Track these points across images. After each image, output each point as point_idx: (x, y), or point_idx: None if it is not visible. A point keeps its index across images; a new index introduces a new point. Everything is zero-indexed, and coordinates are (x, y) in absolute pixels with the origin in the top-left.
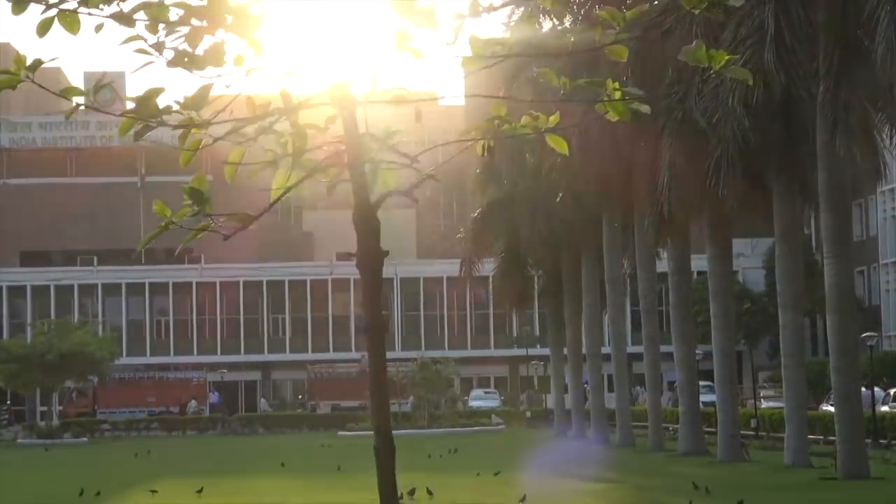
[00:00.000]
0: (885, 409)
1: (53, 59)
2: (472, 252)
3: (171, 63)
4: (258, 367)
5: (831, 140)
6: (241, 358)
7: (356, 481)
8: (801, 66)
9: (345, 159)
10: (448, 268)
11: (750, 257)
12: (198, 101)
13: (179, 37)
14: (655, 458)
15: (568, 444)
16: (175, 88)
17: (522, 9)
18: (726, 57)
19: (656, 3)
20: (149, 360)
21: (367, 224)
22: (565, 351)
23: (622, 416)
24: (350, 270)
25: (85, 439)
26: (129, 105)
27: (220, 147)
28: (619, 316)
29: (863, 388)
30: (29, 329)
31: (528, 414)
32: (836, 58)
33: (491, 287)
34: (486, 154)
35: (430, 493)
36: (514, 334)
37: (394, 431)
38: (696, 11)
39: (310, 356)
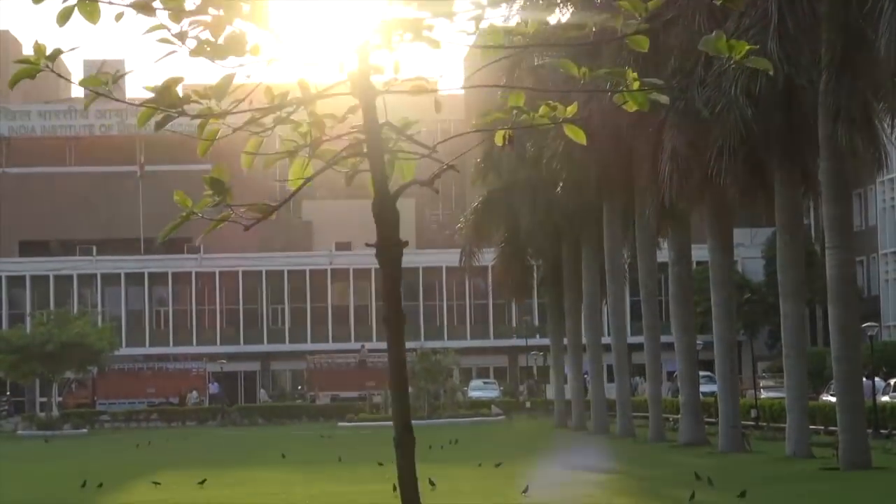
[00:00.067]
0: (885, 399)
1: (73, 49)
2: (471, 242)
3: (194, 52)
4: (257, 357)
5: (833, 130)
6: (241, 348)
7: (357, 472)
8: (804, 55)
9: (363, 149)
10: (447, 258)
11: (749, 247)
12: (220, 90)
13: (197, 25)
14: (656, 448)
15: (568, 435)
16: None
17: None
18: (747, 47)
19: None
20: (148, 350)
21: (387, 214)
22: (565, 341)
23: (622, 407)
24: (349, 260)
25: (85, 430)
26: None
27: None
28: (620, 306)
29: (863, 379)
30: (28, 319)
31: (528, 404)
32: (839, 47)
33: (490, 277)
34: (506, 144)
35: (432, 483)
36: (514, 324)
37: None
38: (718, 2)
39: (309, 346)
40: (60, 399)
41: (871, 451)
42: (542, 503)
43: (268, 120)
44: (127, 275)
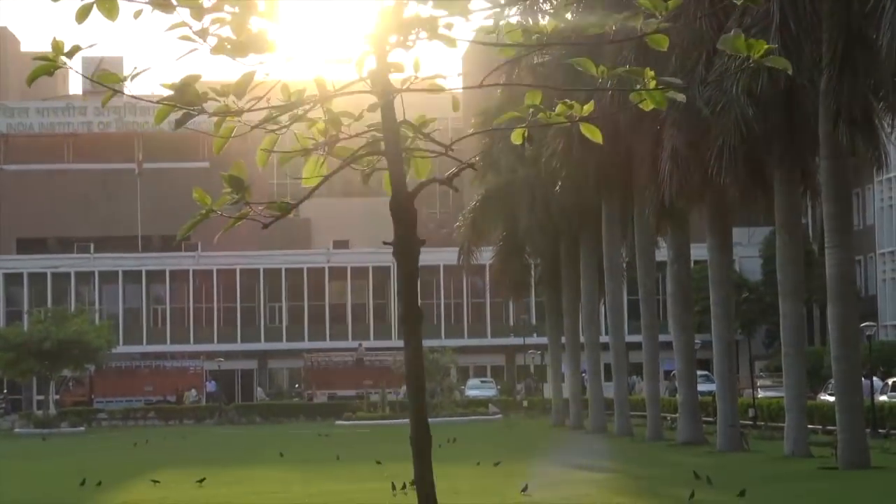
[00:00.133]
0: (883, 398)
1: (92, 46)
2: (470, 240)
3: (215, 50)
4: (255, 355)
5: (834, 129)
6: (238, 346)
7: (355, 471)
8: (805, 55)
9: (381, 147)
10: (445, 256)
11: (747, 246)
12: (240, 88)
13: (218, 22)
14: (654, 447)
15: (566, 434)
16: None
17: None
18: (766, 46)
19: None
20: (145, 348)
21: (405, 213)
22: (563, 340)
23: (620, 406)
24: (347, 258)
25: (82, 428)
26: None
27: (208, 135)
28: (618, 305)
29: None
30: (26, 317)
31: (525, 403)
32: (840, 47)
33: (488, 275)
34: (525, 143)
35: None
36: (511, 323)
37: (391, 421)
38: (738, 1)
39: (306, 345)
40: (58, 397)
41: (869, 451)
42: (542, 502)
43: (283, 118)
44: (124, 272)
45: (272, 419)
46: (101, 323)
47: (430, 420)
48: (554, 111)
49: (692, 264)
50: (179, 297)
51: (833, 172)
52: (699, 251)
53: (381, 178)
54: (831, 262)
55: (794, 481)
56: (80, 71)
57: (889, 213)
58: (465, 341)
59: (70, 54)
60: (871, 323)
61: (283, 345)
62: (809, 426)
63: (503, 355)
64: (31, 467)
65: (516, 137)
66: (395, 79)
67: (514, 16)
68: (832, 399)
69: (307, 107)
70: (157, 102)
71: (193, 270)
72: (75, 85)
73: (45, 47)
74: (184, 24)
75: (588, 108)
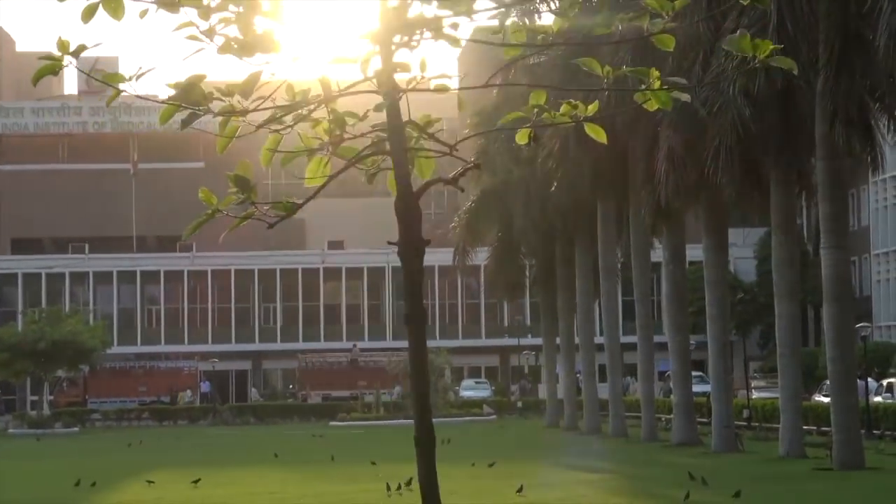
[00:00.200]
0: (878, 399)
1: (97, 45)
2: (465, 241)
3: (222, 49)
4: (249, 356)
5: (830, 129)
6: (232, 347)
7: (350, 472)
8: (802, 55)
9: (386, 147)
10: (439, 257)
11: (741, 247)
12: (247, 88)
13: (225, 22)
14: (649, 448)
15: (560, 435)
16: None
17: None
18: (771, 46)
19: None
20: (139, 349)
21: (410, 213)
22: (558, 340)
23: (615, 407)
24: (341, 259)
25: (76, 429)
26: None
27: (212, 134)
28: (613, 305)
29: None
30: (20, 317)
31: (520, 404)
32: (837, 48)
33: (483, 276)
34: (531, 143)
35: None
36: (506, 324)
37: (385, 421)
38: (745, 2)
39: (301, 345)
40: (52, 397)
41: (864, 452)
42: (537, 503)
43: (288, 118)
44: (119, 273)
45: (266, 420)
46: (95, 323)
47: None
48: (553, 111)
49: (687, 265)
50: (174, 297)
51: (829, 173)
52: (694, 252)
53: (380, 179)
54: (827, 262)
55: (789, 482)
56: (73, 71)
57: (884, 214)
58: (460, 342)
59: (76, 54)
60: (866, 324)
61: (278, 345)
62: (804, 427)
63: (498, 356)
64: (25, 468)
65: (521, 137)
66: (399, 79)
67: (512, 16)
68: (827, 400)
69: (312, 107)
70: (163, 102)
71: (188, 271)
72: (70, 85)
73: (41, 47)
74: (191, 23)
75: (592, 108)
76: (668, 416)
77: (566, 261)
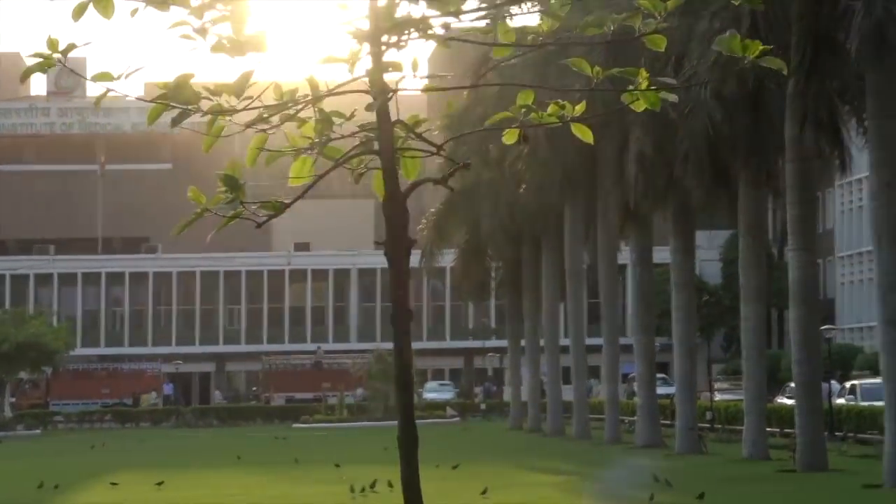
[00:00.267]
0: (841, 401)
1: (87, 44)
2: (432, 243)
3: (214, 49)
4: (213, 358)
5: (800, 132)
6: (196, 349)
7: (315, 474)
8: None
9: (373, 147)
10: None
11: (707, 250)
12: (238, 87)
13: (219, 20)
14: (613, 450)
15: (524, 437)
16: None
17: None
18: (760, 47)
19: None
20: (103, 350)
21: (397, 214)
22: (523, 343)
23: (579, 409)
24: (307, 261)
25: (38, 431)
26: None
27: (186, 134)
28: (579, 308)
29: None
30: None
31: (484, 406)
32: (808, 50)
33: (449, 278)
34: (521, 143)
35: (390, 485)
36: (471, 326)
37: (348, 424)
38: (737, 2)
39: (265, 347)
40: (14, 399)
41: (827, 454)
42: None
43: (275, 118)
44: (84, 274)
45: (229, 422)
46: (59, 325)
47: (388, 423)
48: (540, 111)
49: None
50: (139, 299)
51: (798, 175)
52: (660, 254)
53: (364, 180)
54: (794, 264)
55: (752, 483)
56: (47, 72)
57: (849, 217)
58: (424, 344)
59: (66, 52)
60: (832, 326)
61: (242, 347)
62: (767, 429)
63: (462, 358)
64: None
65: (509, 137)
66: (388, 79)
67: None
68: (790, 402)
69: (299, 106)
70: (153, 101)
71: (153, 273)
72: (38, 86)
73: (10, 48)
74: (185, 22)
75: (580, 108)
76: (631, 419)
77: (533, 263)
